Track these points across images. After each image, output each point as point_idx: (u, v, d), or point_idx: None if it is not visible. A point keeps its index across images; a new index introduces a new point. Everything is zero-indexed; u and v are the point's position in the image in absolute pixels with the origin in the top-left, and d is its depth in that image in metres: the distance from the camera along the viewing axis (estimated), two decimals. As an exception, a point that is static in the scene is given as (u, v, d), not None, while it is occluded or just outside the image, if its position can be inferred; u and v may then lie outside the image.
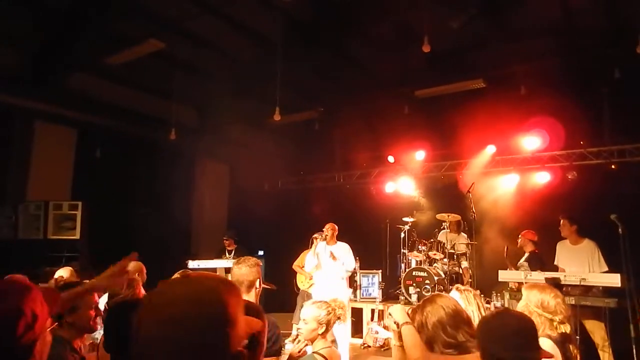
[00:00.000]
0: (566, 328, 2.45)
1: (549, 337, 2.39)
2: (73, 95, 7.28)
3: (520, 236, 6.19)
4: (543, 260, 5.74)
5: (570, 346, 2.42)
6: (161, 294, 0.94)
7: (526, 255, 6.03)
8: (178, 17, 6.77)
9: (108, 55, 6.78)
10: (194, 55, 7.76)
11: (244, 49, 7.80)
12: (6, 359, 1.20)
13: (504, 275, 5.38)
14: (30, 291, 1.27)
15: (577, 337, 4.52)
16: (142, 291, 3.13)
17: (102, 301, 3.00)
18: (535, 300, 2.53)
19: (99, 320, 2.51)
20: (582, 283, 4.70)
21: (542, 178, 7.90)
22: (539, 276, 4.93)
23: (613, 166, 7.39)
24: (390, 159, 9.43)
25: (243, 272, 2.81)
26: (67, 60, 7.00)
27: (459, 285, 3.20)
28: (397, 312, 2.23)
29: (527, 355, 1.72)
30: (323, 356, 2.53)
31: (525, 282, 4.93)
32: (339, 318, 2.95)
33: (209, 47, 7.60)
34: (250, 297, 2.75)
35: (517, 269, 5.82)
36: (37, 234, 6.26)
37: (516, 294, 5.41)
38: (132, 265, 4.31)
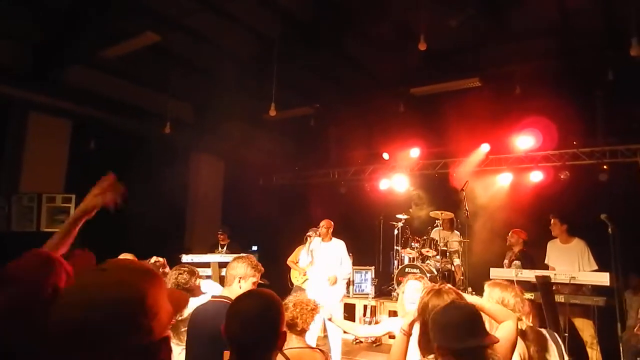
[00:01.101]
0: (522, 325, 2.54)
1: None
2: (68, 87, 7.25)
3: (511, 233, 6.21)
4: (534, 260, 5.80)
5: (526, 343, 2.51)
6: (82, 280, 0.92)
7: (516, 254, 6.08)
8: (176, 12, 6.75)
9: (105, 48, 6.75)
10: (191, 50, 7.73)
11: (241, 44, 7.78)
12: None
13: (495, 273, 5.43)
14: (53, 264, 1.27)
15: (566, 334, 4.59)
16: None
17: None
18: (495, 298, 2.65)
19: None
20: (571, 282, 4.76)
21: (534, 177, 7.97)
22: (530, 274, 4.99)
23: (605, 167, 7.46)
24: (385, 156, 9.47)
25: (233, 265, 2.88)
26: (64, 53, 6.96)
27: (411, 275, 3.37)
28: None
29: (474, 343, 1.83)
30: (286, 356, 2.37)
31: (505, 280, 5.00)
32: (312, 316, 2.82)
33: (206, 42, 7.58)
34: (232, 291, 2.79)
35: (509, 266, 5.87)
36: (30, 227, 6.24)
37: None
38: (127, 257, 4.31)
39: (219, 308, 2.58)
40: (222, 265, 5.60)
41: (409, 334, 2.43)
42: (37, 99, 7.00)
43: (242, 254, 3.02)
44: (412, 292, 3.12)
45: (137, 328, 0.87)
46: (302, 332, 2.68)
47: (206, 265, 5.74)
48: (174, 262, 5.38)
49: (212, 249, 7.38)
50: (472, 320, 1.90)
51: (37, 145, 7.23)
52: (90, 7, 6.32)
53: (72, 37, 6.76)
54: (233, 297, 2.62)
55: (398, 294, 3.40)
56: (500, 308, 2.37)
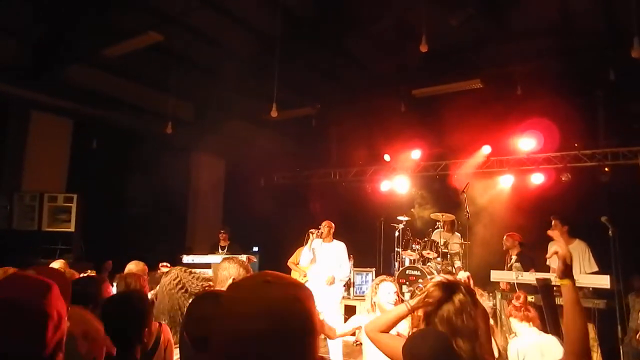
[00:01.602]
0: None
1: None
2: (70, 86, 7.27)
3: (506, 237, 6.21)
4: (534, 261, 5.79)
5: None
6: (241, 304, 0.90)
7: (514, 257, 6.08)
8: (177, 11, 6.75)
9: (106, 46, 6.76)
10: (192, 49, 7.75)
11: (243, 44, 7.79)
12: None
13: (495, 275, 5.43)
14: (50, 288, 1.21)
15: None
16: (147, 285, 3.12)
17: None
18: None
19: None
20: (572, 284, 4.75)
21: (536, 179, 7.95)
22: (530, 277, 4.99)
23: (606, 169, 7.45)
24: (386, 157, 9.46)
25: (222, 267, 2.84)
26: (65, 51, 6.98)
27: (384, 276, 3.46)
28: None
29: None
30: None
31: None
32: None
33: (207, 41, 7.59)
34: None
35: (509, 269, 5.87)
36: (32, 225, 6.26)
37: (507, 294, 5.47)
38: (136, 264, 4.31)
39: None
40: (223, 266, 5.60)
41: (410, 312, 2.29)
42: (39, 98, 7.02)
43: (230, 256, 3.00)
44: (387, 294, 3.24)
45: (305, 345, 0.89)
46: None
47: (207, 266, 5.75)
48: (174, 262, 5.38)
49: (212, 250, 7.38)
50: (445, 350, 1.77)
51: (38, 144, 7.25)
52: (91, 5, 6.33)
53: (73, 36, 6.77)
54: None
55: (366, 293, 3.47)
56: None
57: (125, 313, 2.06)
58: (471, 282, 2.30)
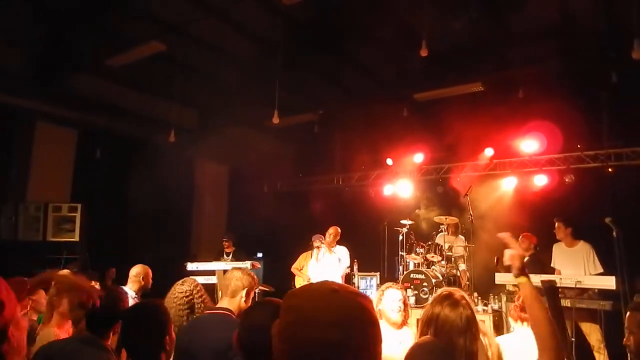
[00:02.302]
0: None
1: None
2: (74, 95, 7.33)
3: (522, 238, 6.12)
4: (544, 264, 5.75)
5: None
6: (313, 313, 0.91)
7: (526, 259, 6.03)
8: (180, 19, 6.81)
9: (109, 56, 6.82)
10: (194, 57, 7.80)
11: (245, 50, 7.84)
12: None
13: (500, 277, 5.40)
14: None
15: (573, 339, 4.56)
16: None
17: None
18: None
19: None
20: (577, 285, 4.74)
21: (539, 181, 7.94)
22: (536, 279, 4.97)
23: (610, 169, 7.43)
24: (389, 161, 9.48)
25: (229, 276, 2.80)
26: (69, 61, 7.05)
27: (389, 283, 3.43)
28: None
29: None
30: None
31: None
32: None
33: (209, 48, 7.64)
34: (234, 303, 2.67)
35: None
36: (37, 236, 6.29)
37: (513, 296, 5.45)
38: (139, 268, 4.33)
39: (219, 320, 2.51)
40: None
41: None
42: (44, 108, 7.08)
43: (239, 266, 2.98)
44: (391, 302, 3.21)
45: (372, 350, 0.92)
46: None
47: (211, 273, 5.76)
48: (179, 269, 5.40)
49: (217, 257, 7.39)
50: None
51: (43, 155, 7.31)
52: (94, 15, 6.40)
53: (78, 46, 6.84)
54: (234, 309, 2.60)
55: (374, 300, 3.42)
56: None
57: (146, 322, 2.08)
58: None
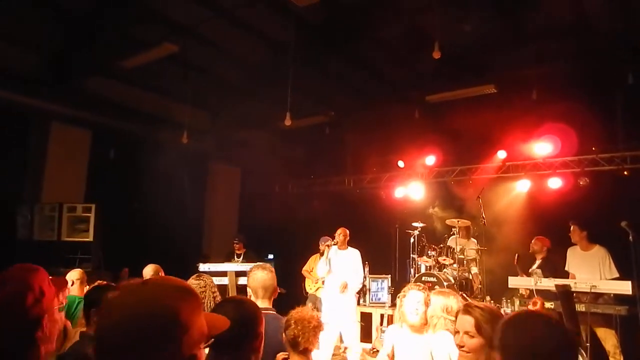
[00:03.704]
0: None
1: (449, 331, 2.81)
2: (88, 97, 7.42)
3: (535, 240, 6.08)
4: (557, 267, 5.69)
5: None
6: (117, 298, 0.96)
7: (539, 262, 5.97)
8: (192, 21, 6.87)
9: (123, 58, 6.90)
10: (207, 59, 7.86)
11: (257, 53, 7.88)
12: (18, 327, 1.33)
13: (514, 281, 5.37)
14: (38, 271, 1.43)
15: (588, 344, 4.50)
16: None
17: None
18: (440, 305, 2.95)
19: None
20: (592, 290, 4.68)
21: (553, 184, 7.84)
22: (550, 283, 4.91)
23: (625, 172, 7.32)
24: (401, 163, 9.44)
25: (268, 277, 2.83)
26: (84, 63, 7.15)
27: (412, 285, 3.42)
28: None
29: None
30: None
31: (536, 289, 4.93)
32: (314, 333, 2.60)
33: (222, 50, 7.70)
34: (266, 302, 2.73)
35: (528, 275, 5.78)
36: (52, 236, 6.37)
37: (526, 300, 5.40)
38: (151, 267, 4.38)
39: (273, 321, 2.41)
40: (239, 274, 5.63)
41: None
42: (58, 109, 7.16)
43: (263, 264, 2.99)
44: (413, 303, 3.13)
45: (167, 343, 0.91)
46: (305, 352, 2.37)
47: (223, 274, 5.78)
48: (191, 271, 5.42)
49: (228, 258, 7.42)
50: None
51: (58, 155, 7.40)
52: (108, 17, 6.48)
53: (92, 49, 6.93)
54: (273, 309, 2.67)
55: (397, 302, 3.38)
56: None
57: None
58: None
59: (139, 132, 8.11)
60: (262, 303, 2.70)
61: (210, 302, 3.14)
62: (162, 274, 4.42)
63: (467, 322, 2.10)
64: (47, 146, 7.33)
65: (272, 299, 2.80)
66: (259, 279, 2.79)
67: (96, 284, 3.22)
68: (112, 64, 7.08)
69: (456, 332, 2.17)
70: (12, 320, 1.32)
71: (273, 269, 2.86)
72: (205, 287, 3.21)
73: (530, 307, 3.25)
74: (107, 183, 7.59)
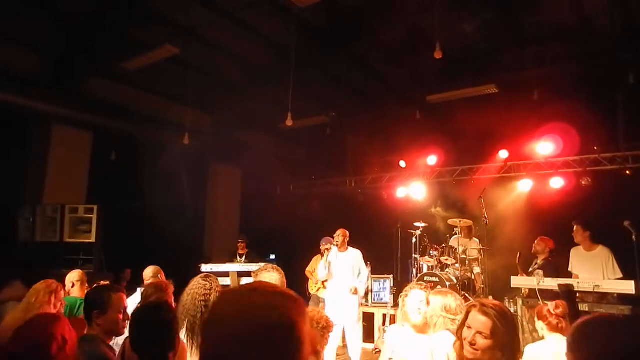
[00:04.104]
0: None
1: (450, 331, 2.80)
2: (89, 98, 7.42)
3: (538, 241, 6.06)
4: (558, 268, 5.67)
5: None
6: (227, 308, 0.91)
7: (540, 262, 5.95)
8: (192, 23, 6.87)
9: (124, 60, 6.90)
10: (208, 60, 7.86)
11: (258, 54, 7.89)
12: None
13: (516, 281, 5.35)
14: (59, 319, 1.49)
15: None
16: (172, 295, 3.16)
17: (132, 305, 3.06)
18: (439, 305, 2.93)
19: (126, 324, 2.53)
20: (595, 290, 4.66)
21: (555, 184, 7.84)
22: (552, 282, 4.90)
23: (628, 172, 7.31)
24: (402, 164, 9.44)
25: (277, 278, 2.81)
26: (85, 65, 7.16)
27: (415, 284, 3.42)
28: None
29: None
30: None
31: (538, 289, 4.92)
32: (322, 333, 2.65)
33: (223, 51, 7.70)
34: None
35: (529, 275, 5.77)
36: (54, 237, 6.36)
37: (528, 300, 5.39)
38: (151, 269, 4.36)
39: None
40: (242, 274, 5.63)
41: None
42: (59, 111, 7.16)
43: (270, 264, 2.97)
44: (415, 303, 3.13)
45: (285, 353, 0.88)
46: (316, 354, 2.36)
47: (225, 274, 5.77)
48: (193, 271, 5.41)
49: (231, 258, 7.42)
50: None
51: (59, 157, 7.39)
52: (108, 19, 6.48)
53: (92, 50, 6.93)
54: None
55: (399, 302, 3.37)
56: None
57: (155, 321, 2.10)
58: None
59: (141, 133, 8.11)
60: None
61: None
62: (162, 275, 4.42)
63: (482, 323, 2.08)
64: (48, 148, 7.32)
65: None
66: (276, 281, 2.78)
67: (96, 284, 3.21)
68: (113, 66, 7.08)
69: (468, 327, 2.16)
70: None
71: (282, 271, 2.85)
72: (211, 288, 3.20)
73: (552, 309, 3.15)
74: (108, 184, 7.59)
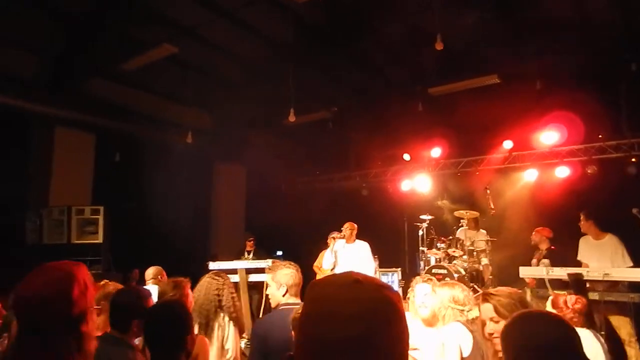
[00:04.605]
0: (474, 313, 2.85)
1: (460, 322, 2.86)
2: (91, 100, 7.42)
3: (534, 232, 6.08)
4: (564, 257, 5.65)
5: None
6: (334, 306, 0.84)
7: (543, 252, 5.94)
8: (191, 22, 6.85)
9: (124, 60, 6.89)
10: (208, 59, 7.83)
11: (258, 52, 7.85)
12: (65, 319, 1.28)
13: (525, 271, 5.32)
14: (80, 265, 1.40)
15: (603, 332, 4.47)
16: (189, 292, 3.16)
17: None
18: (447, 296, 2.95)
19: None
20: (605, 278, 4.63)
21: (561, 173, 7.81)
22: (562, 272, 4.88)
23: (633, 159, 7.27)
24: (406, 157, 9.41)
25: (293, 274, 2.84)
26: (85, 65, 7.14)
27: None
28: None
29: None
30: None
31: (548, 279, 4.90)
32: None
33: (223, 50, 7.67)
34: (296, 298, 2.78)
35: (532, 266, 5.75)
36: (61, 239, 6.38)
37: (537, 290, 5.36)
38: (153, 269, 4.37)
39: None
40: (249, 271, 5.63)
41: None
42: (61, 113, 7.16)
43: (284, 261, 2.99)
44: (420, 297, 3.16)
45: (397, 346, 0.85)
46: None
47: (233, 272, 5.77)
48: (201, 269, 5.41)
49: (238, 256, 7.43)
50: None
51: (63, 159, 7.40)
52: (108, 19, 6.46)
53: (92, 51, 6.92)
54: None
55: (409, 297, 3.38)
56: None
57: (168, 321, 2.09)
58: None
59: (143, 133, 8.11)
60: (294, 299, 2.77)
61: (229, 300, 3.15)
62: (163, 276, 4.41)
63: (488, 309, 2.14)
64: (52, 150, 7.33)
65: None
66: (294, 276, 2.81)
67: (102, 282, 3.19)
68: (113, 66, 7.08)
69: (483, 324, 2.17)
70: (58, 309, 1.27)
71: (297, 266, 2.89)
72: (224, 285, 3.22)
73: (571, 303, 3.11)
74: (112, 185, 7.60)
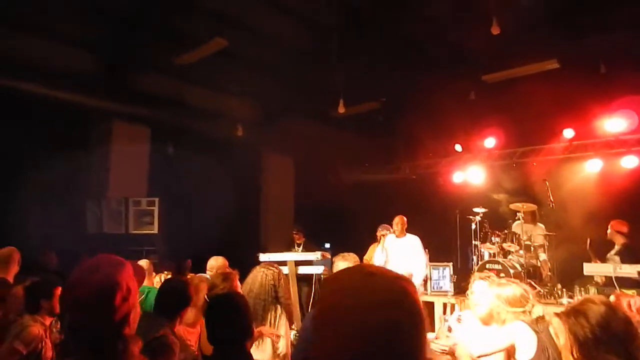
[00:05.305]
0: (538, 312, 2.71)
1: (523, 321, 2.66)
2: (145, 94, 7.65)
3: (609, 227, 5.67)
4: (637, 254, 5.26)
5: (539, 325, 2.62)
6: (346, 294, 0.85)
7: (617, 248, 5.54)
8: (240, 13, 6.87)
9: (176, 55, 7.05)
10: (256, 51, 7.86)
11: (305, 40, 7.79)
12: (107, 327, 1.29)
13: (589, 268, 5.03)
14: (124, 265, 1.38)
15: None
16: (238, 284, 3.22)
17: None
18: (502, 299, 2.76)
19: None
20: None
21: (627, 163, 7.29)
22: (631, 270, 4.56)
23: None
24: (458, 147, 9.12)
25: (352, 264, 2.83)
26: (139, 62, 7.36)
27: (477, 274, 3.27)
28: None
29: None
30: None
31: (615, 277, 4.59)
32: None
33: (270, 41, 7.67)
34: None
35: (603, 262, 5.40)
36: (120, 229, 6.65)
37: (603, 288, 5.04)
38: (218, 260, 4.45)
39: None
40: (299, 263, 5.65)
41: None
42: (116, 107, 7.44)
43: (344, 253, 2.98)
44: (477, 295, 3.04)
45: (416, 335, 0.85)
46: None
47: (283, 263, 5.81)
48: (252, 261, 5.48)
49: (288, 248, 7.49)
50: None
51: (120, 152, 7.70)
52: (158, 16, 6.60)
53: (144, 44, 7.10)
54: None
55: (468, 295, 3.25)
56: None
57: (231, 309, 2.13)
58: None
59: (194, 126, 8.29)
60: None
61: (284, 291, 3.19)
62: (227, 265, 4.48)
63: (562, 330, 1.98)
64: (109, 143, 7.64)
65: None
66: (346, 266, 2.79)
67: (164, 274, 3.29)
68: (166, 62, 7.25)
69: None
70: (100, 317, 1.29)
71: (357, 257, 2.87)
72: (278, 273, 3.27)
73: (633, 305, 2.93)
74: (167, 177, 7.83)
